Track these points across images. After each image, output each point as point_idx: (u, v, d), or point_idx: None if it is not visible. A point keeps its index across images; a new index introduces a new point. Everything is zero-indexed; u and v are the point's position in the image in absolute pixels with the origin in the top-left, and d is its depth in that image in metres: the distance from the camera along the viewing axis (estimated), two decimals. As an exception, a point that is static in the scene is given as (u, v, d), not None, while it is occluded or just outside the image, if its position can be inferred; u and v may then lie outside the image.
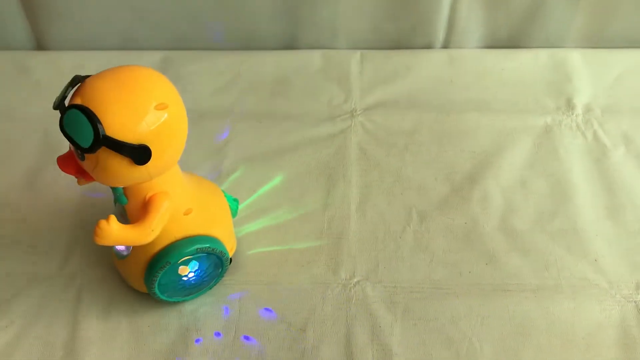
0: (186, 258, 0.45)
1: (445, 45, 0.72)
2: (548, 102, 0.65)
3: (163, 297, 0.47)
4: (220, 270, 0.49)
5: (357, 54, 0.71)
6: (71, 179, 0.57)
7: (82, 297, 0.50)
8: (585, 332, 0.47)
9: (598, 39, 0.71)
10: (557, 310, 0.49)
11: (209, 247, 0.46)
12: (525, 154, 0.60)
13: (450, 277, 0.51)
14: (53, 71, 0.69)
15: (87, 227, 0.54)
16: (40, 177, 0.59)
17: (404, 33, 0.71)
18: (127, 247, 0.46)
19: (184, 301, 0.49)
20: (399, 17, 0.70)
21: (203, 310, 0.49)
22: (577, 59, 0.69)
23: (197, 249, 0.45)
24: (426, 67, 0.69)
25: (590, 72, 0.68)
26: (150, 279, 0.45)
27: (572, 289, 0.50)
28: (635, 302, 0.49)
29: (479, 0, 0.68)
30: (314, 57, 0.71)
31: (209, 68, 0.70)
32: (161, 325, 0.48)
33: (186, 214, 0.44)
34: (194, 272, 0.47)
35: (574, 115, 0.64)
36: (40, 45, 0.73)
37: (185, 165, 0.59)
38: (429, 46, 0.72)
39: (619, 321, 0.48)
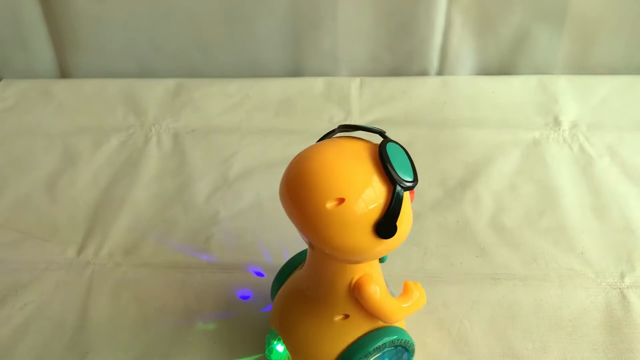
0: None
1: (440, 73, 0.77)
2: (536, 120, 0.69)
3: None
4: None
5: (357, 80, 0.76)
6: (88, 181, 0.62)
7: (93, 283, 0.53)
8: (572, 315, 0.49)
9: (582, 67, 0.76)
10: (544, 296, 0.51)
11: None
12: (515, 163, 0.63)
13: (443, 267, 0.53)
14: (75, 95, 0.75)
15: (101, 221, 0.58)
16: (59, 181, 0.63)
17: (400, 61, 0.76)
18: None
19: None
20: (395, 47, 0.75)
21: (209, 291, 0.52)
22: (563, 83, 0.74)
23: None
24: (421, 91, 0.74)
25: (575, 95, 0.73)
26: None
27: (560, 278, 0.52)
28: (620, 288, 0.51)
29: (469, 30, 0.74)
30: (317, 83, 0.76)
31: (220, 92, 0.75)
32: (167, 309, 0.51)
33: None
34: None
35: (561, 130, 0.68)
36: (64, 73, 0.79)
37: (194, 173, 0.64)
38: (424, 73, 0.77)
39: (604, 305, 0.50)
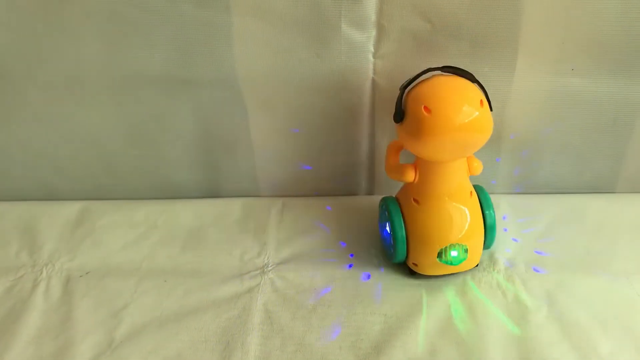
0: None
1: (369, 192, 0.70)
2: (470, 256, 0.62)
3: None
4: None
5: (279, 202, 0.69)
6: None
7: None
8: None
9: (526, 186, 0.69)
10: None
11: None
12: (440, 317, 0.56)
13: None
14: (-30, 222, 0.69)
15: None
16: None
17: (325, 182, 0.69)
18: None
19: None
20: (318, 168, 0.68)
21: None
22: (505, 207, 0.67)
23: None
24: (348, 212, 0.67)
25: (519, 221, 0.66)
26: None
27: None
28: None
29: (399, 148, 0.67)
30: (234, 206, 0.69)
31: (126, 220, 0.68)
32: None
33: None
34: None
35: (496, 271, 0.60)
36: (-36, 196, 0.72)
37: (77, 332, 0.57)
38: (352, 193, 0.70)
39: None
